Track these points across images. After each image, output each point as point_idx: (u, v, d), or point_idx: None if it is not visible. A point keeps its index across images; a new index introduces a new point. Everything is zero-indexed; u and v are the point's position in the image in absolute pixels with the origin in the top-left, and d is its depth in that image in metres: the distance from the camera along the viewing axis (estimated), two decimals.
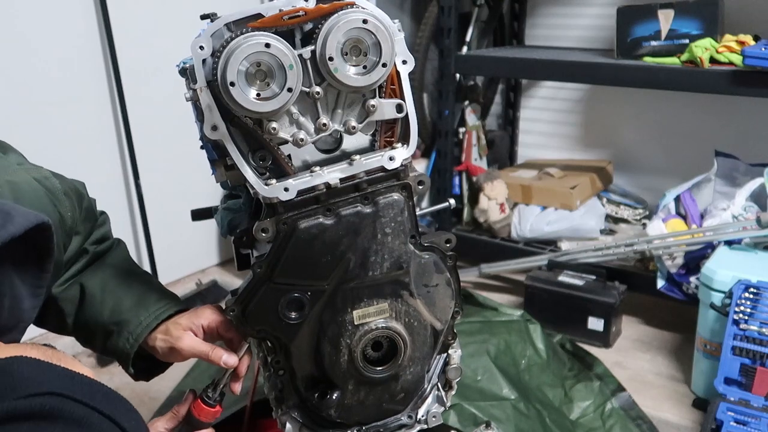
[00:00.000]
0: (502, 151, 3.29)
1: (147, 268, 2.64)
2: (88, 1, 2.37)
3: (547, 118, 3.24)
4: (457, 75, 2.86)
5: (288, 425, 1.06)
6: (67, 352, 1.13)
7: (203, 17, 0.94)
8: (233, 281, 2.76)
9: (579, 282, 2.42)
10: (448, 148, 2.86)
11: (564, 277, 2.46)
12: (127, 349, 1.12)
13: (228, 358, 1.07)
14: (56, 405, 0.62)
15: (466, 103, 3.02)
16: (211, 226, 2.82)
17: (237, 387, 1.10)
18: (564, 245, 2.74)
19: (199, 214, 1.88)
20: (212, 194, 2.35)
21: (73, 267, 1.16)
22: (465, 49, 2.85)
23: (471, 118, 3.04)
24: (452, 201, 1.23)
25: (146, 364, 1.17)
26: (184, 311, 1.15)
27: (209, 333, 1.11)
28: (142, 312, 1.12)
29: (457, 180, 3.01)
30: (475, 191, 2.95)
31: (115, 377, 2.24)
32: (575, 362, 2.19)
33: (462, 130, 3.01)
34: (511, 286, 2.77)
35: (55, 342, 2.36)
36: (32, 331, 2.37)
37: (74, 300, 1.15)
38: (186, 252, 2.86)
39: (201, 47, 0.88)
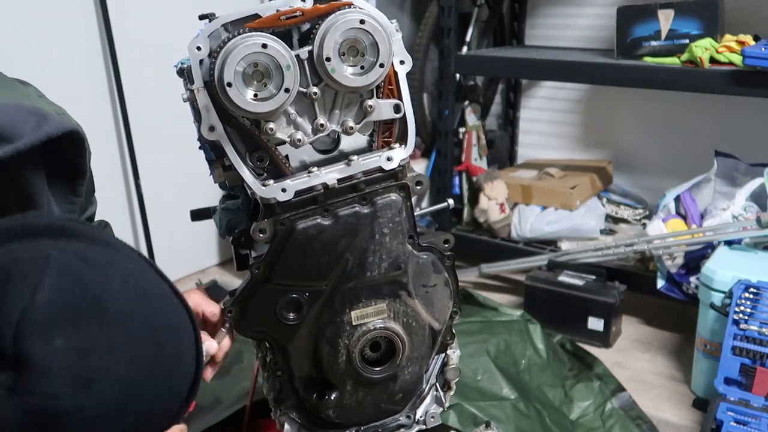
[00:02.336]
0: (502, 151, 3.29)
1: None
2: (88, 1, 2.37)
3: (547, 118, 3.23)
4: (457, 75, 2.85)
5: (286, 426, 1.06)
6: None
7: (202, 17, 0.94)
8: (233, 281, 2.76)
9: (579, 282, 2.42)
10: (448, 148, 2.86)
11: (564, 277, 2.46)
12: None
13: (209, 346, 1.02)
14: (78, 226, 0.61)
15: (466, 103, 3.01)
16: (210, 226, 2.81)
17: (209, 374, 1.05)
18: (564, 245, 2.74)
19: (198, 215, 1.88)
20: (212, 194, 2.35)
21: None
22: (465, 49, 2.84)
23: (471, 118, 3.03)
24: (451, 201, 1.23)
25: None
26: None
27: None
28: None
29: (457, 180, 3.01)
30: (475, 191, 2.95)
31: None
32: (575, 362, 2.19)
33: (462, 130, 3.01)
34: (511, 286, 2.77)
35: None
36: None
37: None
38: (186, 252, 2.86)
39: (198, 48, 0.89)
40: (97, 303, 0.59)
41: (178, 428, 0.92)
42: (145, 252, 2.67)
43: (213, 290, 2.76)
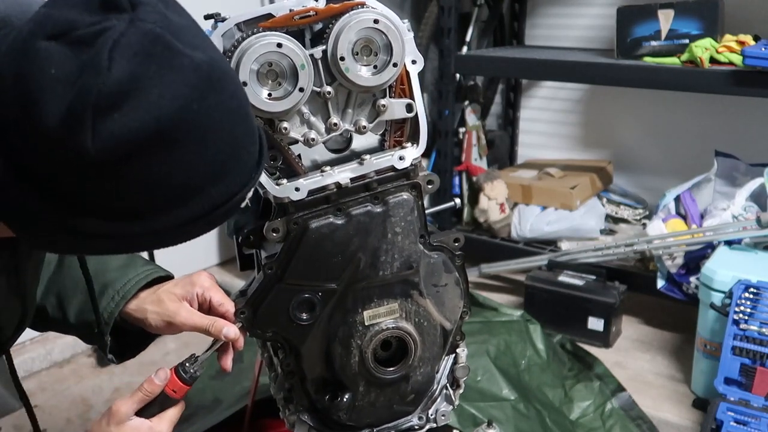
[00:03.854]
0: (502, 151, 3.29)
1: None
2: None
3: (547, 118, 3.24)
4: (457, 75, 2.85)
5: (296, 428, 1.05)
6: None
7: (207, 17, 0.94)
8: (233, 281, 2.75)
9: (579, 282, 2.42)
10: (448, 148, 2.86)
11: (564, 277, 2.46)
12: (111, 309, 1.04)
13: (229, 331, 0.98)
14: None
15: (466, 103, 3.02)
16: None
17: (228, 361, 1.02)
18: (564, 245, 2.74)
19: None
20: None
21: None
22: (465, 49, 2.85)
23: (471, 118, 3.04)
24: (458, 200, 1.23)
25: (124, 340, 1.10)
26: (170, 278, 1.11)
27: (203, 303, 1.04)
28: (131, 271, 1.07)
29: (457, 180, 3.01)
30: (475, 191, 2.95)
31: (115, 377, 2.24)
32: (575, 362, 2.19)
33: (462, 130, 3.01)
34: (511, 286, 2.77)
35: (54, 342, 2.36)
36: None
37: (50, 262, 1.08)
38: (186, 252, 2.83)
39: None
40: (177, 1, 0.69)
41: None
42: (144, 252, 2.66)
43: None
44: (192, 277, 1.06)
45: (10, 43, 0.63)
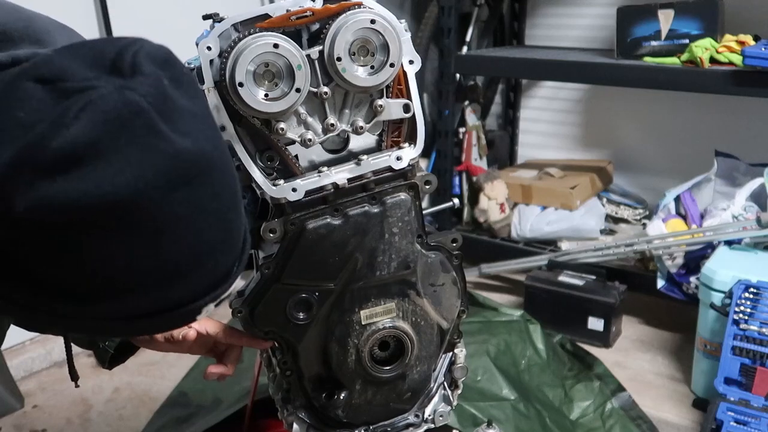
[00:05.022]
0: (502, 151, 3.29)
1: None
2: (88, 1, 2.37)
3: (547, 118, 3.24)
4: (457, 75, 2.86)
5: (295, 426, 1.06)
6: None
7: (205, 17, 0.94)
8: None
9: (579, 282, 2.42)
10: (448, 148, 2.86)
11: (564, 277, 2.46)
12: None
13: (226, 370, 1.06)
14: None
15: (466, 103, 3.02)
16: None
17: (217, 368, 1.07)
18: (564, 245, 2.74)
19: None
20: None
21: None
22: (465, 49, 2.85)
23: (471, 118, 3.04)
24: (456, 200, 1.23)
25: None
26: None
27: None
28: None
29: (457, 180, 3.01)
30: (475, 191, 2.95)
31: (115, 377, 2.24)
32: (575, 362, 2.19)
33: (462, 130, 3.01)
34: (511, 286, 2.77)
35: (54, 342, 2.35)
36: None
37: None
38: None
39: (208, 48, 0.88)
40: (193, 82, 0.65)
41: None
42: None
43: None
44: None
45: (4, 77, 0.58)
